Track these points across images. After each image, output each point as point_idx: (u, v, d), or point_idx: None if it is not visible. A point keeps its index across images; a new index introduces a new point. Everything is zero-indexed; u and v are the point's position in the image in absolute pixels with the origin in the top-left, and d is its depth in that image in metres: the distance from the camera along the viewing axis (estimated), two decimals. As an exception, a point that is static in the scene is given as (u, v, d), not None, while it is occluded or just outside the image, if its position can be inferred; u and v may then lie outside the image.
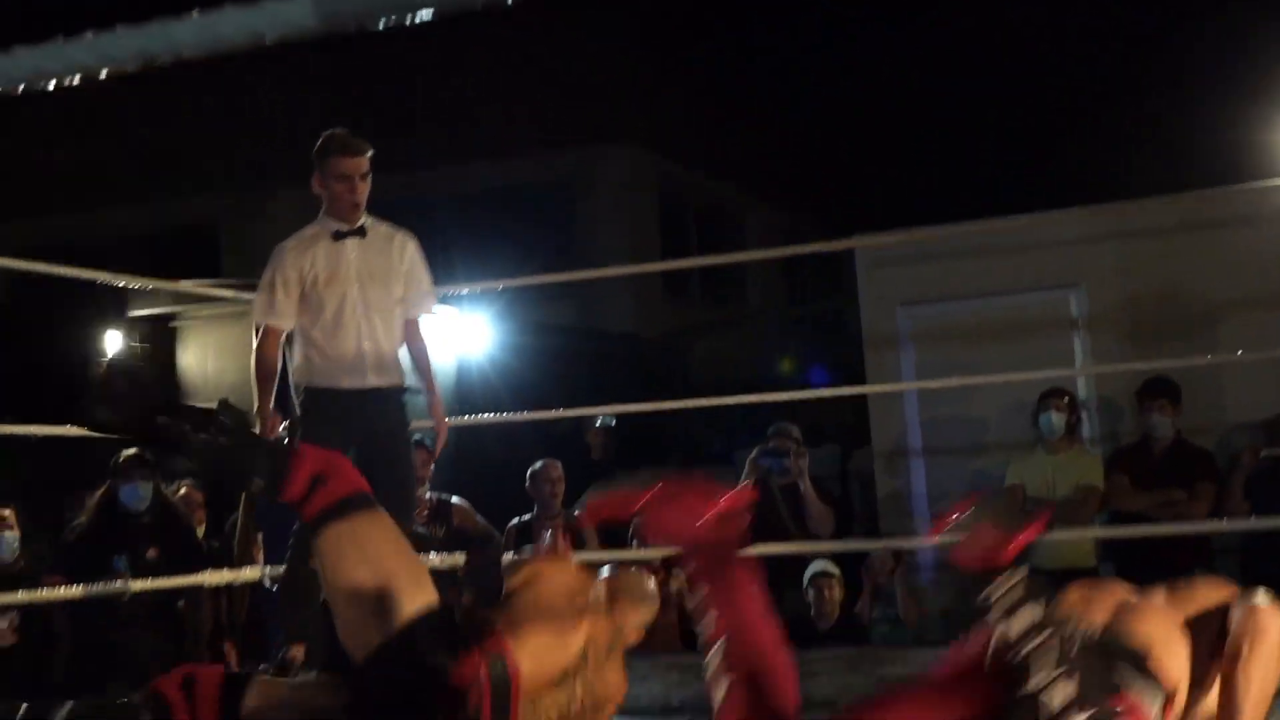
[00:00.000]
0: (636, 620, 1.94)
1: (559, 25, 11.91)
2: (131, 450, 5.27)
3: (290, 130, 12.20)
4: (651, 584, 1.98)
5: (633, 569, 2.06)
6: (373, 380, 3.96)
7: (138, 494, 5.22)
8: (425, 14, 0.95)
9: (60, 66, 1.07)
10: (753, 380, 8.74)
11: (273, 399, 4.06)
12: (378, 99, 12.11)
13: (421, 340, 4.17)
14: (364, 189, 3.99)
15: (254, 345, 4.09)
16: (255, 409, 4.05)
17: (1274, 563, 5.34)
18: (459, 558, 4.96)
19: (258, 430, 3.89)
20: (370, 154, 4.02)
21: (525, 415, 5.02)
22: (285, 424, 4.19)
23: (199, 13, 1.03)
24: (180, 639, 5.39)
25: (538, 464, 5.85)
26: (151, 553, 5.18)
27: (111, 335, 6.94)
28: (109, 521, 5.26)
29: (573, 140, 11.90)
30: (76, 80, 1.07)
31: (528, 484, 5.81)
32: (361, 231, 4.02)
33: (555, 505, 5.76)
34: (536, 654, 1.78)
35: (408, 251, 4.11)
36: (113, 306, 7.04)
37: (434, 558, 5.12)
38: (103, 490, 5.33)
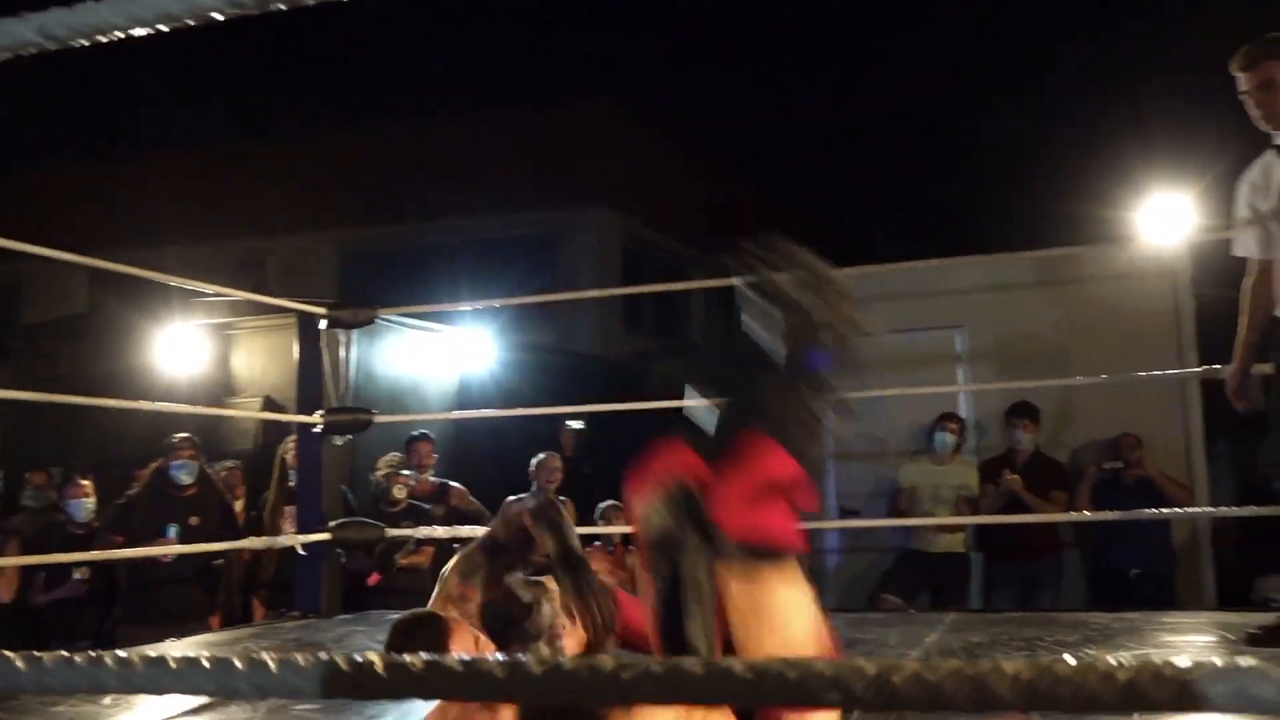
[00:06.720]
0: None
1: (557, 115, 12.07)
2: (182, 434, 4.98)
3: (322, 185, 11.94)
4: None
5: None
6: None
7: (184, 469, 4.94)
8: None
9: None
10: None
11: (1253, 332, 2.87)
12: (411, 172, 12.00)
13: None
14: (1267, 99, 2.76)
15: None
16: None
17: (1109, 554, 5.23)
18: (457, 530, 4.78)
19: None
20: (1257, 64, 2.78)
21: (510, 412, 4.80)
22: None
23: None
24: (215, 591, 5.08)
25: (542, 455, 5.68)
26: (194, 520, 4.89)
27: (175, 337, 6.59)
28: (160, 492, 4.96)
29: (557, 203, 11.85)
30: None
31: (531, 469, 5.62)
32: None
33: (549, 491, 5.55)
34: None
35: None
36: (180, 316, 6.71)
37: (437, 530, 4.93)
38: (154, 466, 5.05)
